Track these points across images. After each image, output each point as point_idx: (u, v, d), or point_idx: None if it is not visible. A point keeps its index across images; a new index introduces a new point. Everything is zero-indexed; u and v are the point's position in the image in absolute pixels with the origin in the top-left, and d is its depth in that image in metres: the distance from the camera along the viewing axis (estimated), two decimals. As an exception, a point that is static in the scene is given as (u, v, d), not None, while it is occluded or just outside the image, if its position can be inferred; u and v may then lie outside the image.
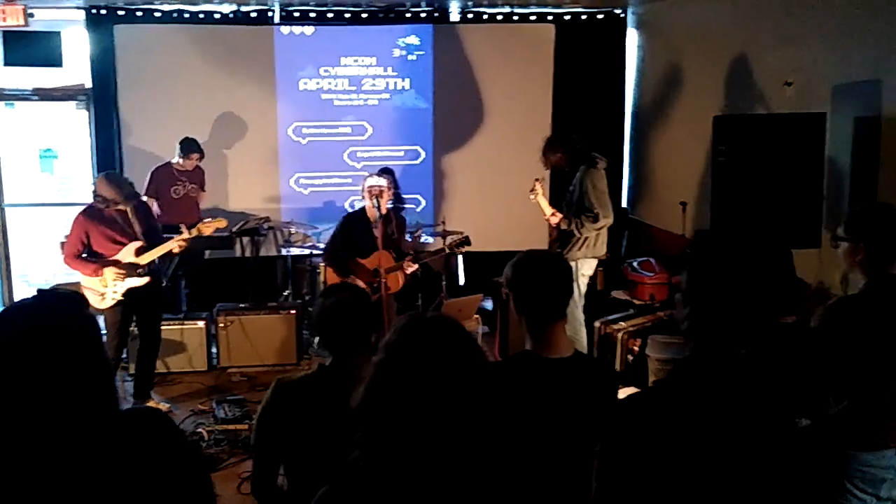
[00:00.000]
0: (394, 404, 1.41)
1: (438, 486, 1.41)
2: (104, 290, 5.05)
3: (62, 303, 1.51)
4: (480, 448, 1.42)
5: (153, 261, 5.16)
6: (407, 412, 1.40)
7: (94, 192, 5.07)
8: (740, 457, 1.76)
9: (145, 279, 5.11)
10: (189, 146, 6.70)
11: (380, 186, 5.35)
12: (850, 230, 2.72)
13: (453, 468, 1.40)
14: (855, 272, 2.76)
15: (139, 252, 5.08)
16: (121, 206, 5.04)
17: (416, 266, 5.49)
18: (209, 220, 5.38)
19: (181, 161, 6.72)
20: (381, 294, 5.20)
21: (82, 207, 5.18)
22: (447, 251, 5.84)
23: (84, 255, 5.08)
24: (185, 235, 5.16)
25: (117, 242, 5.07)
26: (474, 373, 1.46)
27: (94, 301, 4.99)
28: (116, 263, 5.04)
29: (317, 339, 6.56)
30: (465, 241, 5.73)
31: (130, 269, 5.06)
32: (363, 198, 5.49)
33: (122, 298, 5.09)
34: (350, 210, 7.36)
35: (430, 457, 1.40)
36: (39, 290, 1.54)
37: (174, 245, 5.12)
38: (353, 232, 5.53)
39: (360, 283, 5.42)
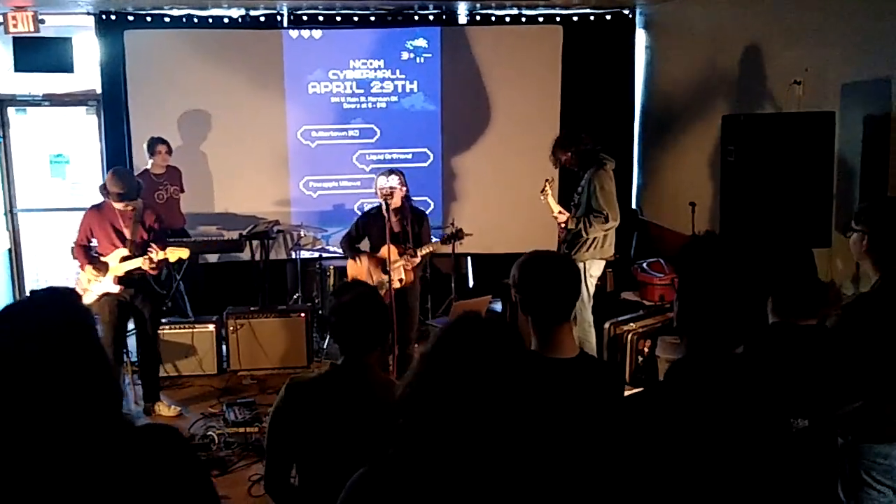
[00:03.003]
0: (439, 395, 1.45)
1: (471, 477, 1.43)
2: (85, 287, 5.15)
3: (52, 297, 1.52)
4: (515, 446, 1.46)
5: (137, 270, 5.14)
6: (451, 404, 1.43)
7: (102, 184, 5.16)
8: (733, 456, 1.76)
9: (118, 288, 5.14)
10: (152, 141, 6.75)
11: (390, 187, 5.40)
12: (858, 220, 2.76)
13: (489, 462, 1.43)
14: (864, 263, 2.78)
15: (122, 260, 5.13)
16: (120, 205, 5.06)
17: (417, 259, 5.51)
18: (175, 248, 5.30)
19: (152, 162, 6.77)
20: (389, 288, 5.28)
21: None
22: (441, 247, 5.86)
23: (88, 248, 5.23)
24: (153, 256, 5.06)
25: (112, 244, 5.16)
26: (519, 375, 1.50)
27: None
28: (97, 263, 5.14)
29: (327, 342, 6.58)
30: (458, 234, 5.74)
31: (104, 272, 5.12)
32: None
33: (99, 300, 5.14)
34: (359, 212, 7.42)
35: (468, 448, 1.43)
36: (32, 291, 1.55)
37: (143, 263, 5.08)
38: (369, 228, 5.62)
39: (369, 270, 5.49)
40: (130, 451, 1.47)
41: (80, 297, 1.59)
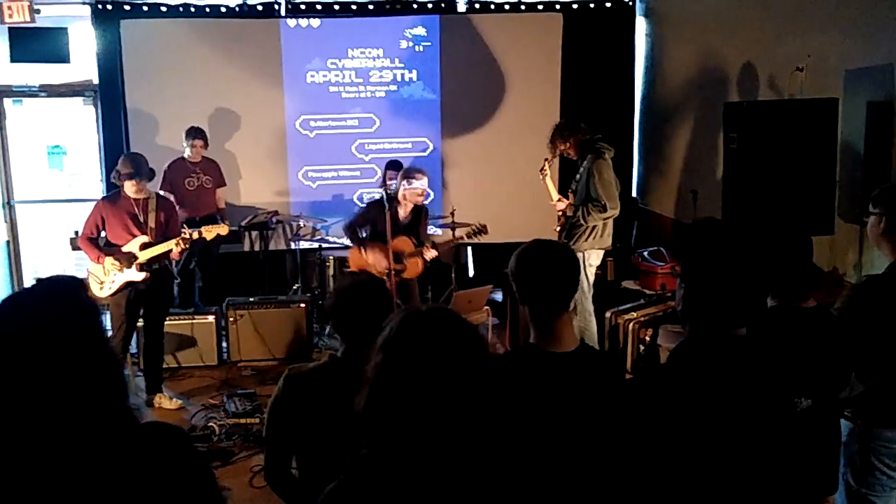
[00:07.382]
0: (397, 405, 1.38)
1: (445, 482, 1.38)
2: (104, 279, 5.12)
3: (56, 287, 1.48)
4: (485, 442, 1.39)
5: (162, 257, 5.16)
6: (411, 412, 1.36)
7: (115, 170, 5.18)
8: (739, 435, 1.75)
9: (142, 275, 5.10)
10: (190, 132, 6.76)
11: (420, 194, 5.66)
12: (876, 202, 2.75)
13: (460, 464, 1.38)
14: (881, 246, 2.76)
15: (143, 247, 5.10)
16: (132, 189, 5.08)
17: (435, 252, 5.60)
18: (212, 225, 5.34)
19: (189, 150, 6.77)
20: (402, 277, 5.45)
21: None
22: (465, 239, 5.93)
23: (96, 240, 5.20)
24: (185, 237, 5.12)
25: (129, 233, 5.12)
26: (477, 365, 1.42)
27: (95, 289, 5.11)
28: (117, 254, 5.09)
29: (326, 332, 6.56)
30: (482, 230, 5.77)
31: (128, 262, 5.08)
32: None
33: (120, 290, 5.12)
34: (359, 203, 7.43)
35: (437, 454, 1.37)
36: (37, 279, 1.52)
37: (172, 245, 5.09)
38: (375, 215, 5.67)
39: (377, 259, 5.58)
40: (133, 448, 1.43)
41: (83, 285, 1.55)
